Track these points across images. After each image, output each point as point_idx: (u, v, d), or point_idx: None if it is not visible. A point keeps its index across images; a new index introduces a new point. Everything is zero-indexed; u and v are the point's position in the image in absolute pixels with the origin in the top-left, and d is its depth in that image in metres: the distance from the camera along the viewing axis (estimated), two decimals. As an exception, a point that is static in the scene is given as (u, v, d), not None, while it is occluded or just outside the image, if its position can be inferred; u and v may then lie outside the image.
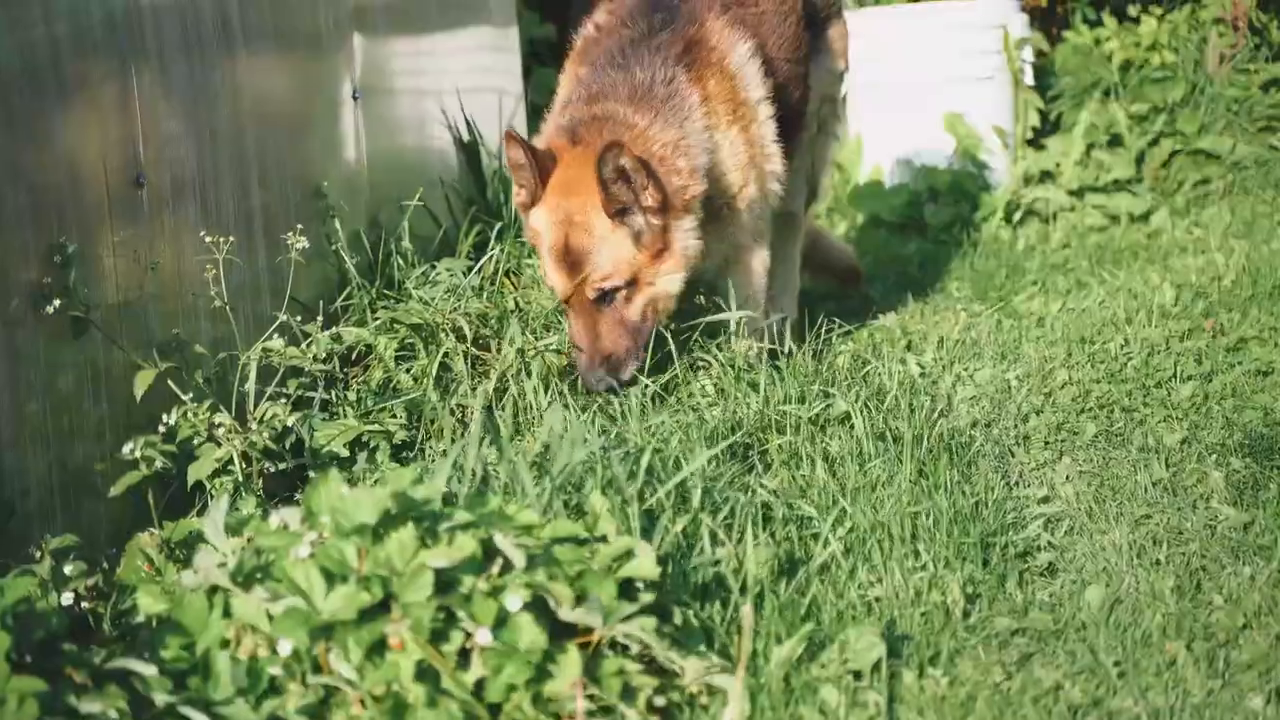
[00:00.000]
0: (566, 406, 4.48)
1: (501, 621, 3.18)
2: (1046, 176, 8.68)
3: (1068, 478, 4.73)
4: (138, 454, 4.03)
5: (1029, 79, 8.98)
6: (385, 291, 5.30)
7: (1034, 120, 8.97)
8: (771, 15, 5.54)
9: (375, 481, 4.35)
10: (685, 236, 4.89)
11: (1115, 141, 8.73)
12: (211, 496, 4.25)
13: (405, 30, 6.28)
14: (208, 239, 4.46)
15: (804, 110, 5.82)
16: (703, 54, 5.15)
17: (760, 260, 5.43)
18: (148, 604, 3.46)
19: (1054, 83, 9.37)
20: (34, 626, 3.15)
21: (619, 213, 4.76)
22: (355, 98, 5.63)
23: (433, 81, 6.41)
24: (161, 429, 4.17)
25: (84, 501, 4.15)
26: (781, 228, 6.26)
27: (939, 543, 4.16)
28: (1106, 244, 7.76)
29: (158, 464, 4.09)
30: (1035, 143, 9.03)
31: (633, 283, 4.83)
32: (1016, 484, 4.72)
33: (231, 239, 4.51)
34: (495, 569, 3.28)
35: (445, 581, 3.20)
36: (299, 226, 4.70)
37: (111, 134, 4.27)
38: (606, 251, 4.78)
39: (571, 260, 4.79)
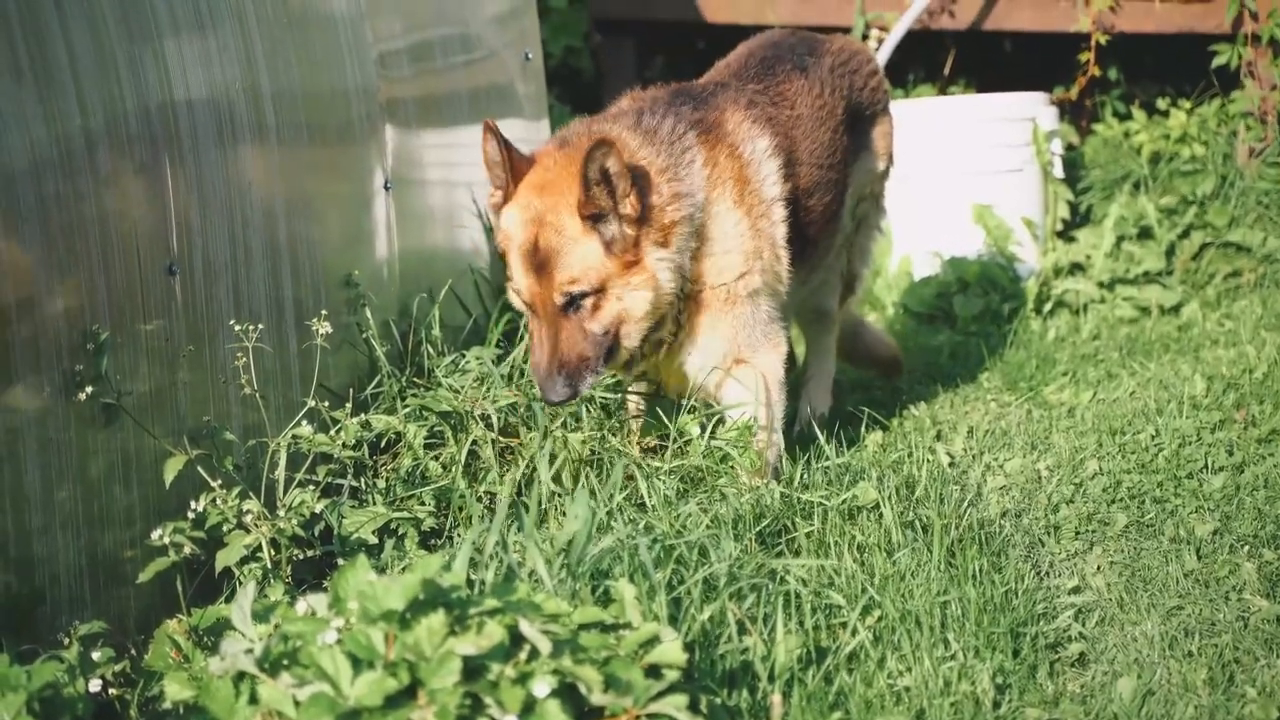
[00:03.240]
0: (594, 494, 4.47)
1: (529, 708, 3.16)
2: (1076, 268, 8.67)
3: (1099, 568, 4.71)
4: (166, 540, 4.04)
5: (1058, 171, 8.99)
6: (415, 380, 5.31)
7: (1064, 212, 8.97)
8: (808, 120, 5.51)
9: (403, 569, 4.35)
10: (658, 264, 4.76)
11: (1145, 234, 8.72)
12: (240, 584, 4.26)
13: (437, 123, 6.33)
14: (237, 327, 4.48)
15: (838, 213, 5.75)
16: (718, 133, 5.10)
17: (771, 365, 5.17)
18: (175, 691, 3.46)
19: (1083, 175, 9.38)
20: (60, 712, 3.15)
21: (593, 217, 4.65)
22: (387, 188, 5.68)
23: (464, 173, 6.45)
24: (190, 515, 4.18)
25: (113, 588, 4.16)
26: (814, 323, 6.29)
27: (969, 632, 4.15)
28: (1137, 336, 7.74)
29: (186, 550, 4.10)
30: (1065, 235, 9.03)
31: (600, 291, 4.70)
32: (1047, 574, 4.70)
33: (261, 326, 4.54)
34: (523, 655, 3.28)
35: (472, 668, 3.19)
36: (324, 312, 4.71)
37: (144, 223, 4.30)
38: (577, 253, 4.66)
39: (540, 260, 4.68)
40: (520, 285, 4.75)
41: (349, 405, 4.77)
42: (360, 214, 5.56)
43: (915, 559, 4.44)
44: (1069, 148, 9.48)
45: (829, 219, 5.65)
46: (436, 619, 3.22)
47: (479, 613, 3.33)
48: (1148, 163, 9.17)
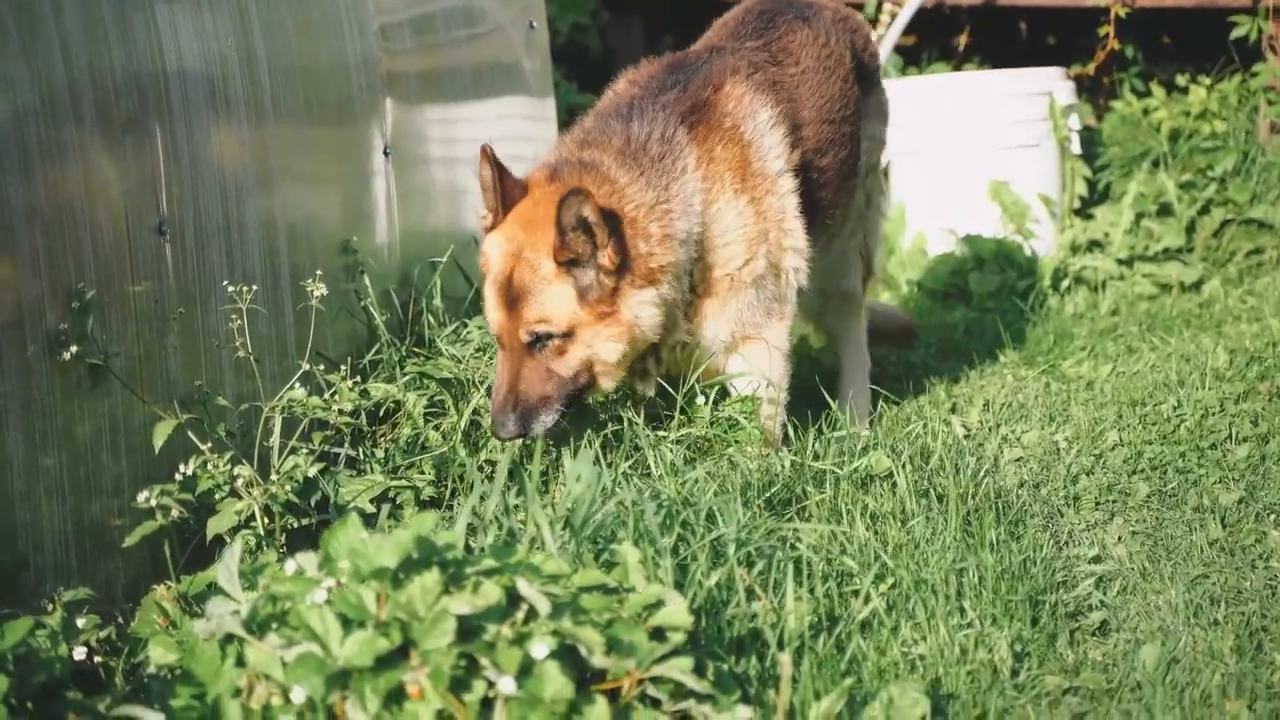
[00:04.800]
0: (597, 462, 4.34)
1: (526, 670, 3.05)
2: (1094, 246, 8.56)
3: (1119, 538, 4.61)
4: (154, 503, 3.91)
5: (1076, 147, 8.87)
6: (415, 349, 5.19)
7: (1081, 189, 8.84)
8: (814, 73, 5.32)
9: (399, 534, 4.23)
10: (639, 307, 4.63)
11: (1165, 211, 8.60)
12: (231, 551, 4.13)
13: (438, 98, 6.22)
14: (230, 289, 4.35)
15: (855, 169, 5.57)
16: (712, 117, 4.92)
17: (776, 338, 5.06)
18: (159, 654, 3.36)
19: (1101, 152, 9.24)
20: (36, 671, 3.03)
21: (569, 263, 4.53)
22: (386, 154, 5.56)
23: (467, 149, 6.33)
24: (178, 477, 4.05)
25: (101, 557, 4.05)
26: (840, 307, 6.04)
27: (985, 600, 4.04)
28: (1157, 312, 7.62)
29: (174, 514, 3.98)
30: (1082, 212, 8.90)
31: (568, 335, 4.58)
32: (1066, 544, 4.59)
33: (255, 287, 4.41)
34: (520, 616, 3.15)
35: (467, 629, 3.08)
36: (319, 273, 4.58)
37: (132, 181, 4.19)
38: (548, 295, 4.55)
39: (511, 295, 4.57)
40: (491, 317, 4.66)
41: (345, 368, 4.64)
42: (359, 182, 5.47)
43: (930, 527, 4.31)
44: (1086, 128, 9.35)
45: (846, 175, 5.46)
46: (430, 577, 3.10)
47: (475, 572, 3.22)
48: (1167, 140, 9.02)
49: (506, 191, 4.66)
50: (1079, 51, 9.90)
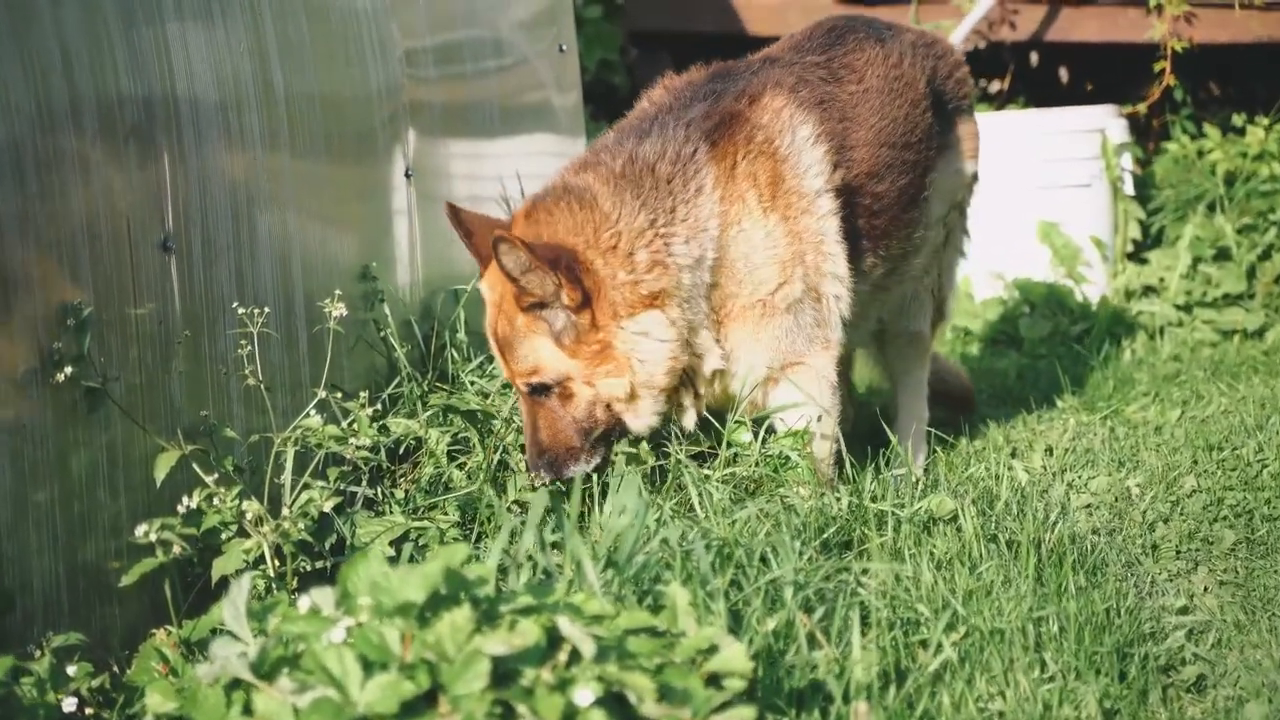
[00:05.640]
0: (640, 494, 4.00)
1: (569, 719, 2.75)
2: (1149, 291, 8.34)
3: (1206, 588, 4.33)
4: (153, 537, 3.57)
5: (1129, 188, 8.62)
6: (438, 384, 4.91)
7: (1134, 232, 8.58)
8: (877, 93, 5.00)
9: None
10: (635, 338, 4.37)
11: (1222, 256, 8.38)
12: (239, 595, 3.79)
13: (463, 132, 5.96)
14: (241, 311, 4.04)
15: (918, 201, 5.21)
16: (741, 131, 4.61)
17: (821, 366, 4.73)
18: (156, 701, 3.10)
19: (1154, 195, 8.99)
20: (17, 715, 2.72)
21: (533, 307, 4.30)
22: (408, 175, 5.28)
23: (494, 187, 6.06)
24: (181, 510, 3.72)
25: (95, 600, 3.76)
26: (904, 349, 5.70)
27: (1067, 652, 3.73)
28: (1220, 358, 7.36)
29: (176, 550, 3.64)
30: (1135, 256, 8.63)
31: (566, 380, 4.36)
32: (1149, 594, 4.27)
33: (268, 309, 4.10)
34: (562, 658, 2.84)
35: (503, 672, 2.79)
36: (338, 292, 4.27)
37: (136, 193, 3.92)
38: (526, 347, 4.35)
39: (500, 347, 4.40)
40: (498, 363, 4.51)
41: (363, 396, 4.32)
42: (379, 205, 5.23)
43: (1002, 573, 3.97)
44: (1134, 175, 9.10)
45: (906, 206, 5.10)
46: (461, 614, 2.81)
47: (511, 610, 2.93)
48: (1223, 182, 8.76)
49: (477, 243, 4.48)
50: (1121, 97, 9.64)
